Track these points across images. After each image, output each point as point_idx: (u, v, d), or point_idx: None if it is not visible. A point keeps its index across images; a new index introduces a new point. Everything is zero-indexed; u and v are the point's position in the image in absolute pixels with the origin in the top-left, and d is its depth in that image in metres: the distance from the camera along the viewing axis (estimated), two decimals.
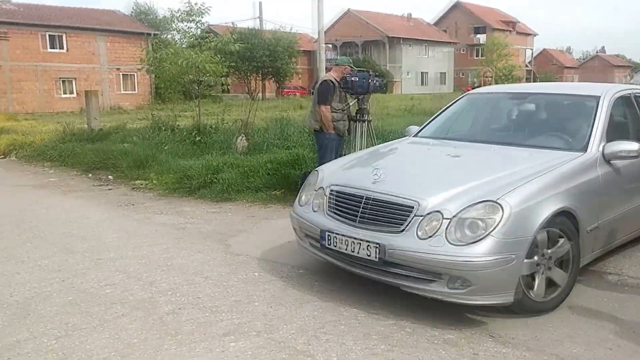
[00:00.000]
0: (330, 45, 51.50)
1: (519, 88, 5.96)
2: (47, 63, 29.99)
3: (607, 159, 3.88)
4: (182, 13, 10.93)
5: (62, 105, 29.69)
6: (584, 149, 3.89)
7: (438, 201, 3.32)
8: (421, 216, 3.29)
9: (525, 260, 3.24)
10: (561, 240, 3.45)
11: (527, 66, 70.34)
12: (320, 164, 6.23)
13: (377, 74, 6.98)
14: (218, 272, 4.18)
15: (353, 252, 3.46)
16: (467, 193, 3.35)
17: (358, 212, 3.54)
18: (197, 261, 4.45)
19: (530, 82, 52.45)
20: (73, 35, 30.91)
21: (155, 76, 17.05)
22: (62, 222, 5.81)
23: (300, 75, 47.40)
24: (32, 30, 29.33)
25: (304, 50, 47.09)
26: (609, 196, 3.91)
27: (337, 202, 3.75)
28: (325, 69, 16.47)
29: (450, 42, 60.72)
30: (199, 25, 11.97)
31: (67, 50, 30.86)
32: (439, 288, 3.21)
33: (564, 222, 3.48)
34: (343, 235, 3.52)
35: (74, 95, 30.57)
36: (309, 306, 3.55)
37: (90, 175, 8.91)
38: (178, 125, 11.32)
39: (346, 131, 6.42)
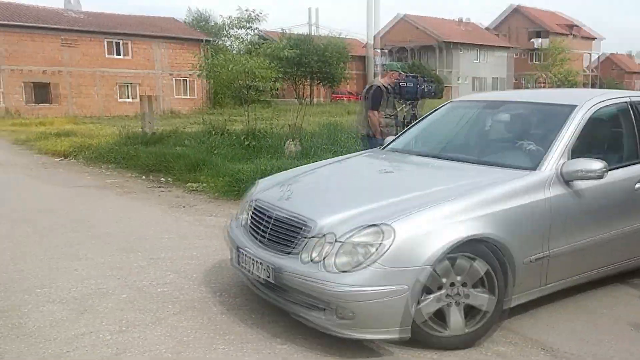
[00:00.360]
0: (382, 51, 51.45)
1: (498, 96, 5.30)
2: (107, 69, 31.28)
3: (565, 178, 3.36)
4: (236, 20, 11.18)
5: (120, 109, 30.88)
6: (536, 167, 3.40)
7: (332, 223, 3.01)
8: (311, 238, 3.01)
9: (435, 293, 2.93)
10: (477, 267, 3.01)
11: (592, 71, 67.52)
12: None
13: (428, 79, 6.90)
14: None
15: (255, 272, 3.27)
16: (363, 214, 3.03)
17: (266, 230, 3.34)
18: None
19: (592, 87, 50.48)
20: (131, 42, 32.11)
21: (209, 81, 17.49)
22: (118, 222, 6.02)
23: (350, 81, 47.46)
24: (96, 37, 30.66)
25: (356, 56, 47.18)
26: (566, 222, 3.38)
27: (253, 218, 3.57)
28: (377, 74, 16.44)
29: (507, 47, 59.27)
30: (253, 32, 12.22)
31: (127, 57, 32.09)
32: (329, 317, 2.90)
33: (482, 250, 3.02)
34: (249, 253, 3.33)
35: (131, 99, 31.73)
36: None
37: (145, 177, 9.21)
38: (229, 129, 11.56)
39: None
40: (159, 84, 33.37)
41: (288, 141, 9.29)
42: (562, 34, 60.91)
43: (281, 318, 3.41)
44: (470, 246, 2.99)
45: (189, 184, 8.23)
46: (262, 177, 7.28)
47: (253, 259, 3.26)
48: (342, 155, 7.91)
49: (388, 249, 2.83)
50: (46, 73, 29.08)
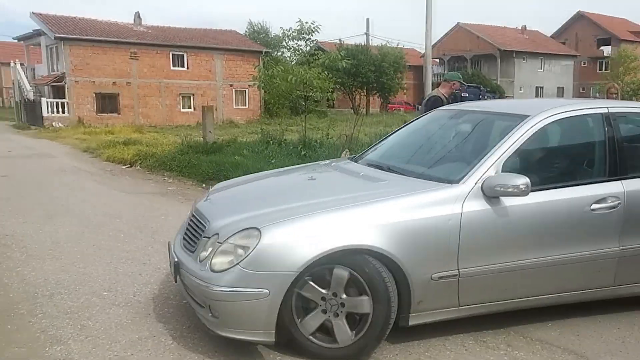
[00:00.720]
0: (438, 60, 50.80)
1: (469, 106, 4.79)
2: (170, 80, 32.46)
3: (487, 194, 3.12)
4: (293, 32, 11.36)
5: (181, 119, 31.94)
6: (457, 180, 3.20)
7: (221, 224, 3.13)
8: (203, 238, 3.17)
9: (315, 306, 2.93)
10: (349, 285, 2.92)
11: None
12: None
13: (488, 89, 6.77)
14: None
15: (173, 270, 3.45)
16: (248, 219, 3.07)
17: (188, 230, 3.55)
18: None
19: None
20: (193, 54, 33.21)
21: (265, 92, 17.84)
22: (179, 228, 6.21)
23: (405, 91, 47.15)
24: (162, 50, 31.94)
25: (410, 66, 46.84)
26: (483, 241, 3.13)
27: (190, 219, 3.71)
28: (433, 84, 16.24)
29: (572, 55, 57.06)
30: (309, 43, 12.37)
31: (187, 68, 33.21)
32: (206, 315, 3.03)
33: (362, 262, 2.90)
34: (172, 250, 3.57)
35: (192, 109, 32.75)
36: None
37: (204, 185, 9.46)
38: (285, 139, 11.73)
39: None
40: (219, 95, 34.28)
41: (344, 151, 9.32)
42: (633, 42, 57.96)
43: None
44: (349, 257, 2.91)
45: None
46: None
47: (173, 257, 3.44)
48: None
49: (251, 252, 2.86)
50: (115, 84, 30.52)
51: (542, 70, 54.75)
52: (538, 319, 3.57)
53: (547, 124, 3.43)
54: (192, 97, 33.40)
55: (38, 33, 31.43)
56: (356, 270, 2.91)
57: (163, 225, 6.38)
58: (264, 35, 45.82)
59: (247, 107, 35.42)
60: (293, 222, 2.99)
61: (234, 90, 34.91)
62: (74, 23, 30.95)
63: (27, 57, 36.16)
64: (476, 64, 53.30)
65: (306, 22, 11.16)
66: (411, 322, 3.10)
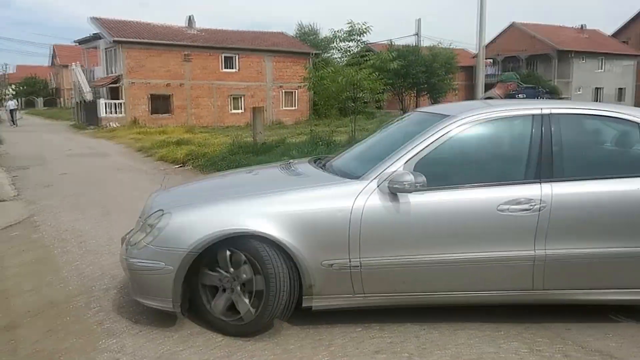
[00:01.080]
0: (490, 61, 49.62)
1: (432, 109, 4.50)
2: (221, 81, 33.11)
3: (384, 190, 3.26)
4: (343, 33, 11.35)
5: (231, 119, 32.52)
6: (359, 176, 3.37)
7: (150, 208, 3.65)
8: (139, 219, 3.76)
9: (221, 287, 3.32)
10: (245, 267, 3.24)
11: None
12: None
13: (546, 90, 6.52)
14: None
15: None
16: (167, 203, 3.61)
17: None
18: None
19: None
20: (244, 56, 33.76)
21: (314, 93, 17.92)
22: None
23: (456, 92, 46.27)
24: (214, 52, 32.64)
25: (462, 66, 45.96)
26: (376, 234, 3.24)
27: None
28: (485, 85, 15.87)
29: (631, 55, 54.51)
30: (359, 44, 12.31)
31: (238, 70, 33.78)
32: (130, 283, 3.56)
33: (254, 246, 3.20)
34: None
35: (242, 110, 33.29)
36: (463, 333, 3.39)
37: None
38: (334, 140, 11.72)
39: None
40: (268, 96, 34.70)
41: None
42: None
43: (386, 333, 3.37)
44: (242, 241, 3.22)
45: None
46: None
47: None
48: None
49: (162, 231, 3.29)
50: (168, 86, 31.39)
51: (601, 70, 52.51)
52: (597, 330, 3.42)
53: (468, 125, 3.47)
54: (241, 99, 33.94)
55: (97, 37, 32.71)
56: (249, 252, 3.22)
57: None
58: (313, 36, 46.03)
59: (295, 108, 35.68)
60: (195, 207, 3.42)
61: (282, 91, 35.26)
62: (130, 27, 32.05)
63: (86, 60, 37.72)
64: (531, 65, 51.67)
65: (357, 23, 11.13)
66: (309, 304, 3.35)
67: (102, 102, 30.06)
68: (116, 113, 29.85)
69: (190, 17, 35.05)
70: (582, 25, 55.38)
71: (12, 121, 31.02)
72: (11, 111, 31.91)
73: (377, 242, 3.26)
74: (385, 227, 3.27)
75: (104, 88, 31.96)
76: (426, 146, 3.37)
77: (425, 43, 44.53)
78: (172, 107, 31.61)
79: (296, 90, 34.58)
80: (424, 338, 3.33)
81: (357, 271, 3.26)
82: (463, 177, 3.46)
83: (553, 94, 7.54)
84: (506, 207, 3.24)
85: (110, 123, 28.91)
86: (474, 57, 40.02)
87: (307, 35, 46.20)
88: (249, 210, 3.31)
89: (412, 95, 42.65)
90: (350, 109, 12.65)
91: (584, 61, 51.14)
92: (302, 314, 3.65)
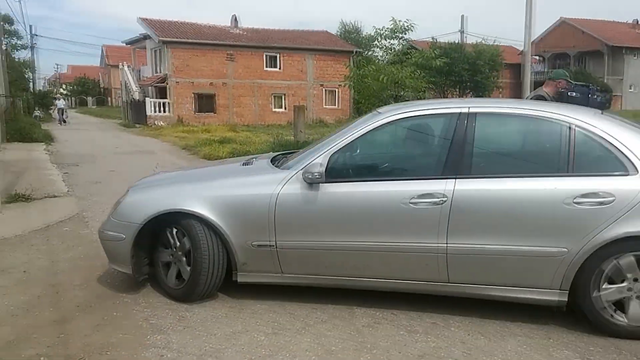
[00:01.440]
0: (538, 58, 48.24)
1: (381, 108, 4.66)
2: (263, 80, 33.44)
3: (301, 180, 3.59)
4: (386, 30, 11.24)
5: (273, 118, 32.79)
6: (287, 167, 3.79)
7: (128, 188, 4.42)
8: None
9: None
10: (185, 239, 3.80)
11: None
12: None
13: (598, 88, 6.26)
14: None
15: None
16: (135, 184, 4.47)
17: None
18: None
19: None
20: (286, 55, 33.98)
21: (355, 91, 17.85)
22: None
23: (501, 90, 45.18)
24: (256, 51, 33.01)
25: (508, 64, 44.81)
26: (294, 220, 3.63)
27: None
28: (532, 82, 15.44)
29: None
30: (402, 42, 12.17)
31: (280, 69, 34.03)
32: None
33: (190, 223, 3.74)
34: None
35: (284, 109, 33.53)
36: (512, 340, 3.29)
37: None
38: None
39: None
40: (310, 94, 34.81)
41: None
42: None
43: (430, 337, 3.30)
44: (181, 219, 3.78)
45: None
46: None
47: None
48: None
49: (120, 205, 4.06)
50: (212, 85, 31.93)
51: None
52: None
53: (389, 123, 3.70)
54: (283, 97, 34.17)
55: (144, 37, 33.59)
56: (185, 229, 3.78)
57: None
58: (355, 34, 45.91)
59: (336, 106, 35.65)
60: (150, 189, 4.27)
61: (324, 90, 35.29)
62: (176, 27, 32.74)
63: (134, 60, 38.79)
64: (581, 62, 49.90)
65: (399, 21, 11.01)
66: (240, 280, 3.84)
67: (148, 101, 30.85)
68: (162, 112, 30.59)
69: (234, 16, 35.53)
70: (636, 20, 53.08)
71: (61, 120, 32.17)
72: (60, 110, 33.10)
73: (296, 227, 3.64)
74: (296, 214, 3.64)
75: (151, 87, 32.80)
76: (349, 141, 3.67)
77: (469, 40, 43.72)
78: (216, 106, 32.13)
79: (338, 89, 34.54)
80: (470, 344, 3.25)
81: (281, 251, 3.66)
82: (377, 171, 3.83)
83: (605, 92, 7.22)
84: (413, 200, 3.41)
85: (157, 121, 29.64)
86: (520, 54, 38.94)
87: (350, 34, 46.13)
88: (189, 193, 3.88)
89: (456, 93, 41.93)
90: None
91: (637, 58, 49.02)
92: (349, 315, 3.63)
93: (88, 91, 71.54)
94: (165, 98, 31.13)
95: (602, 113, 3.74)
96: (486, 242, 3.35)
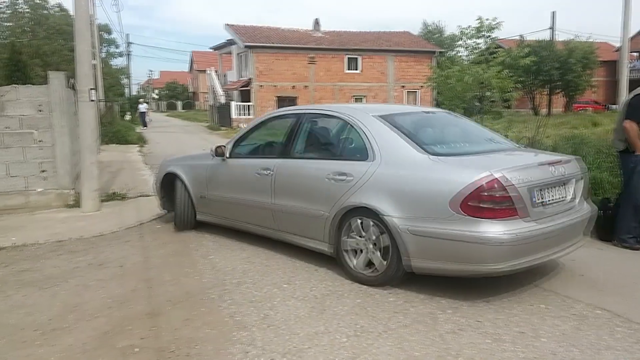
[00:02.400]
0: (636, 54, 44.93)
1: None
2: (344, 83, 33.63)
3: (229, 156, 5.67)
4: (472, 29, 10.92)
5: None
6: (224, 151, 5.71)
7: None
8: None
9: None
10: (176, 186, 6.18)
11: None
12: (625, 190, 5.44)
13: None
14: (500, 298, 3.97)
15: None
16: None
17: None
18: (479, 284, 4.30)
19: None
20: (367, 57, 33.98)
21: (438, 92, 17.45)
22: None
23: (595, 89, 42.50)
24: (338, 54, 33.28)
25: (602, 61, 42.13)
26: (216, 180, 5.74)
27: None
28: (630, 81, 14.41)
29: None
30: (488, 41, 11.78)
31: (360, 71, 34.06)
32: None
33: (173, 178, 6.25)
34: None
35: None
36: (609, 355, 3.07)
37: None
38: None
39: None
40: (390, 96, 34.55)
41: None
42: None
43: (518, 347, 3.16)
44: (173, 176, 6.24)
45: None
46: None
47: None
48: (589, 172, 7.09)
49: (158, 170, 6.92)
50: (294, 88, 32.55)
51: None
52: None
53: (268, 118, 5.65)
54: (364, 99, 34.16)
55: (230, 43, 34.87)
56: (176, 181, 6.19)
57: None
58: (438, 35, 45.02)
59: None
60: (165, 162, 6.82)
61: (405, 91, 34.93)
62: (261, 32, 33.69)
63: (221, 65, 40.34)
64: None
65: (486, 19, 10.65)
66: (198, 217, 6.08)
67: (233, 104, 31.96)
68: (246, 115, 31.56)
69: (316, 20, 36.04)
70: None
71: (144, 122, 33.22)
72: (141, 114, 33.99)
73: (214, 185, 5.74)
74: (215, 177, 5.75)
75: (236, 91, 33.94)
76: (243, 133, 5.71)
77: (560, 37, 41.49)
78: None
79: (419, 90, 34.05)
80: (562, 356, 3.07)
81: (209, 201, 5.80)
82: (251, 152, 5.71)
83: None
84: (259, 171, 5.14)
85: (240, 124, 30.59)
86: (616, 51, 36.43)
87: (432, 34, 45.30)
88: (176, 164, 6.36)
89: (544, 93, 39.96)
90: (476, 108, 12.12)
91: None
92: (431, 320, 3.55)
93: (177, 95, 75.34)
94: (249, 101, 32.10)
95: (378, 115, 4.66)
96: (291, 202, 4.83)
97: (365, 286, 4.22)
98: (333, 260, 4.62)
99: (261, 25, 35.33)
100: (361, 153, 4.38)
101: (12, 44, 15.29)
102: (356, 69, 34.06)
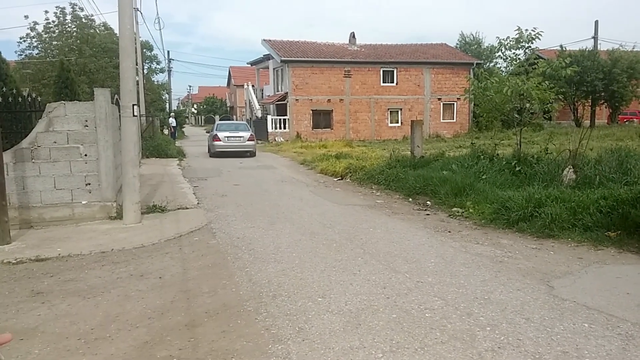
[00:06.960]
0: None
1: None
2: (380, 96, 33.56)
3: None
4: (511, 40, 10.75)
5: (388, 133, 32.74)
6: None
7: None
8: None
9: None
10: None
11: None
12: None
13: None
14: (541, 316, 3.87)
15: None
16: None
17: None
18: (517, 299, 4.21)
19: None
20: (403, 70, 33.84)
21: (475, 105, 17.21)
22: (386, 241, 6.31)
23: None
24: (373, 67, 33.31)
25: None
26: None
27: None
28: None
29: None
30: (528, 52, 11.56)
31: (396, 84, 33.95)
32: None
33: None
34: None
35: (399, 124, 33.35)
36: None
37: (410, 199, 9.48)
38: (497, 154, 11.12)
39: None
40: (426, 108, 34.29)
41: (567, 168, 8.45)
42: None
43: None
44: None
45: (454, 209, 8.16)
46: (534, 206, 6.86)
47: None
48: (635, 186, 6.87)
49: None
50: (330, 102, 32.68)
51: None
52: None
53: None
54: (399, 112, 33.99)
55: (267, 57, 35.35)
56: None
57: (371, 237, 6.54)
58: (475, 46, 44.54)
59: (454, 120, 34.72)
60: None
61: (441, 103, 34.58)
62: (297, 46, 34.05)
63: (258, 80, 40.93)
64: None
65: (525, 30, 10.47)
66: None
67: (270, 118, 32.32)
68: (282, 128, 31.86)
69: (352, 33, 36.16)
70: None
71: (173, 135, 33.63)
72: (172, 127, 34.91)
73: None
74: None
75: (272, 105, 34.34)
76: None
77: (603, 47, 40.42)
78: (332, 122, 32.80)
79: (456, 102, 33.69)
80: None
81: None
82: None
83: None
84: None
85: (276, 138, 30.92)
86: None
87: (469, 45, 44.84)
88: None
89: (587, 104, 38.91)
90: (515, 120, 11.88)
91: None
92: (469, 337, 3.48)
93: (215, 110, 76.75)
94: (285, 115, 32.41)
95: None
96: None
97: (401, 301, 4.19)
98: (367, 275, 4.60)
99: (297, 39, 35.69)
100: None
101: (61, 62, 15.92)
102: (392, 82, 33.95)
